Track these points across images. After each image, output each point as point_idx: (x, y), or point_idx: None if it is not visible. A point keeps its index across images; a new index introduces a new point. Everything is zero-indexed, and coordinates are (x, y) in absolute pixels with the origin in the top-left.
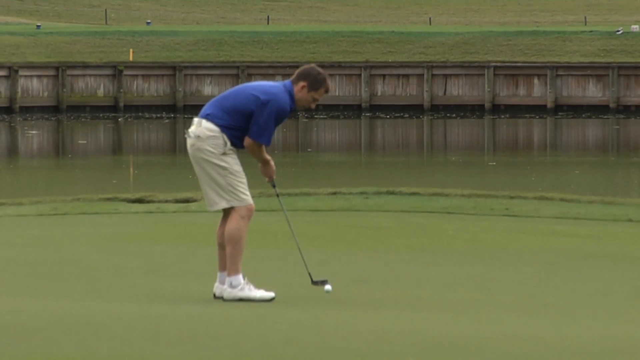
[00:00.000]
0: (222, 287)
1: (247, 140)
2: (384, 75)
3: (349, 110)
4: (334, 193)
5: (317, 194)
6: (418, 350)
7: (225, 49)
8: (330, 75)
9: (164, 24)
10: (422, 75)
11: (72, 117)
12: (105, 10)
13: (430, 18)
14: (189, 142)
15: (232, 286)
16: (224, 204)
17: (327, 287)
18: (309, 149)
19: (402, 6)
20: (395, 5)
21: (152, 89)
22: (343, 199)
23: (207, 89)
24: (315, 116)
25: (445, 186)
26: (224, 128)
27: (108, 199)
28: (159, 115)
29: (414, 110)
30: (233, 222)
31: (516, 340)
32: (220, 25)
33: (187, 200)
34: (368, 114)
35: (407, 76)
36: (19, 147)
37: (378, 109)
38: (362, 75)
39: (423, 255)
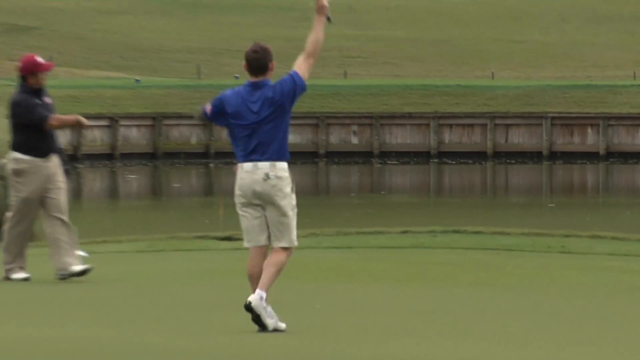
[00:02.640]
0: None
1: (302, 75)
2: (450, 125)
3: (419, 156)
4: (405, 232)
5: (389, 233)
6: None
7: (307, 101)
8: (401, 125)
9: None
10: (486, 124)
11: (167, 163)
12: (198, 65)
13: (492, 73)
14: (268, 183)
15: (262, 299)
16: (284, 244)
17: None
18: (382, 192)
19: (467, 62)
20: (460, 61)
21: None
22: (413, 237)
23: (290, 137)
24: (388, 162)
25: (507, 225)
26: (289, 160)
27: (200, 237)
28: None
29: (478, 156)
30: (284, 256)
31: None
32: None
33: None
34: (436, 160)
35: (471, 125)
36: (119, 190)
37: (445, 156)
38: (431, 125)
39: (485, 289)
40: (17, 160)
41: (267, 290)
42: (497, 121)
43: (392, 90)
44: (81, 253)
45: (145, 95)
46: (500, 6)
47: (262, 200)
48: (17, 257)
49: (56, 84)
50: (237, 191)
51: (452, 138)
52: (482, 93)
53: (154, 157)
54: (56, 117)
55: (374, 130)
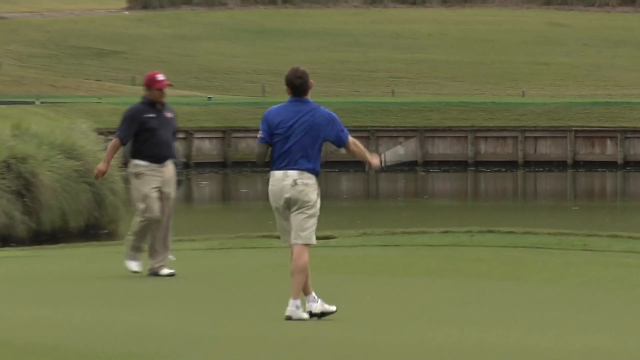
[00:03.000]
0: (312, 305)
1: (347, 143)
2: (486, 137)
3: (458, 165)
4: (445, 232)
5: (431, 232)
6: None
7: (359, 116)
8: (442, 137)
9: (312, 96)
10: (517, 137)
11: (235, 171)
12: (263, 85)
13: (523, 91)
14: (295, 188)
15: (298, 308)
16: (302, 240)
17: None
18: (425, 196)
19: (500, 82)
20: (494, 81)
21: None
22: (452, 236)
23: (343, 149)
24: (430, 170)
25: (535, 226)
26: (317, 175)
27: (264, 236)
28: None
29: (510, 165)
30: (306, 256)
31: (591, 350)
32: (354, 97)
33: (327, 237)
34: (472, 169)
35: (504, 138)
36: (194, 195)
37: (481, 165)
38: (468, 137)
39: (516, 283)
40: (136, 165)
41: (299, 297)
42: (527, 134)
43: (434, 107)
44: (169, 257)
45: (216, 111)
46: (529, 33)
47: (290, 204)
48: (139, 247)
49: (138, 101)
50: (270, 197)
51: (487, 149)
52: (513, 109)
53: (224, 165)
54: (112, 143)
55: (418, 142)
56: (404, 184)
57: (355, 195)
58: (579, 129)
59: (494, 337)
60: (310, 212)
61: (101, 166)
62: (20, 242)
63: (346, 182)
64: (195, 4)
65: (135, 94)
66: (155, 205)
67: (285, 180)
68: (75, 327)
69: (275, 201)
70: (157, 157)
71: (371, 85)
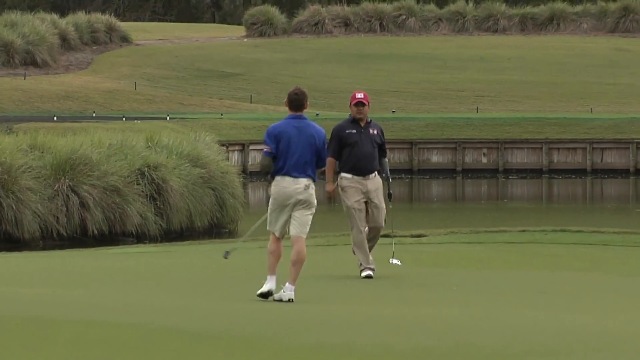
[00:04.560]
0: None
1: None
2: (558, 148)
3: (533, 172)
4: (523, 230)
5: (510, 231)
6: (584, 341)
7: (447, 130)
8: (520, 148)
9: (404, 112)
10: (586, 148)
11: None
12: None
13: (591, 108)
14: (306, 192)
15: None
16: (306, 235)
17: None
18: (505, 200)
19: (571, 100)
20: (566, 99)
21: (395, 158)
22: (529, 234)
23: (434, 158)
24: (510, 177)
25: (602, 226)
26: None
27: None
28: (400, 176)
29: (580, 172)
30: (303, 246)
31: None
32: (443, 113)
33: (419, 235)
34: (546, 176)
35: (575, 149)
36: None
37: (554, 172)
38: (543, 148)
39: (585, 274)
40: (341, 178)
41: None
42: (594, 145)
43: (513, 122)
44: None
45: (323, 125)
46: (597, 57)
47: (297, 205)
48: (364, 258)
49: (255, 116)
50: (278, 196)
51: (559, 158)
52: (583, 123)
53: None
54: (328, 162)
55: (499, 152)
56: (486, 189)
57: (444, 198)
58: None
59: (569, 320)
60: (312, 212)
61: (328, 187)
62: (152, 239)
63: (436, 187)
64: (305, 32)
65: (252, 111)
66: (359, 217)
67: (296, 185)
68: (199, 312)
69: (284, 200)
70: (360, 170)
71: (458, 102)
